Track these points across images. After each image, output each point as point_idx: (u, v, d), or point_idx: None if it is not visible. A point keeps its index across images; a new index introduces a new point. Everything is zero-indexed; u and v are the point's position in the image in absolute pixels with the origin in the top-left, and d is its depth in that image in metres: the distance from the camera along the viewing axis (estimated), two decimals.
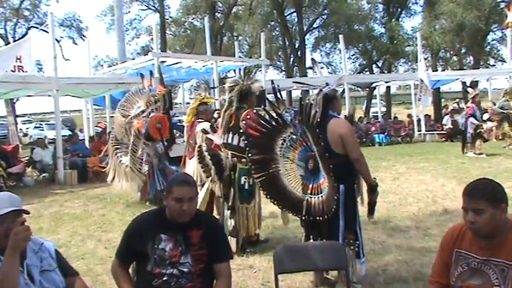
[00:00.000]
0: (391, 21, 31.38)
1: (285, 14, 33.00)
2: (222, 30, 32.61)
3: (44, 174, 12.70)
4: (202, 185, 6.28)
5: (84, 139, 16.26)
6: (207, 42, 18.14)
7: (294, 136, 4.10)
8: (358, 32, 32.02)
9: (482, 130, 12.94)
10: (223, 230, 2.93)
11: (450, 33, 27.00)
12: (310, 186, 4.02)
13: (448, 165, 11.53)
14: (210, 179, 5.46)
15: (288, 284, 4.20)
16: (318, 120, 3.97)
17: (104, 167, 10.67)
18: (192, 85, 26.72)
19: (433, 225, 6.04)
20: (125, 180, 8.48)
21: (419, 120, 20.12)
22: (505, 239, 2.34)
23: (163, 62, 15.26)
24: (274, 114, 4.23)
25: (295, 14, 33.23)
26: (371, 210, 4.14)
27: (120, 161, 8.57)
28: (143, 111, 8.42)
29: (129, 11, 33.18)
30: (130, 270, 2.91)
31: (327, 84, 4.26)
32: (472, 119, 12.94)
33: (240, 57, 23.96)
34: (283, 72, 36.33)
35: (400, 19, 33.09)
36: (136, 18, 34.75)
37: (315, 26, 34.39)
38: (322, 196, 3.95)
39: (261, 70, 22.53)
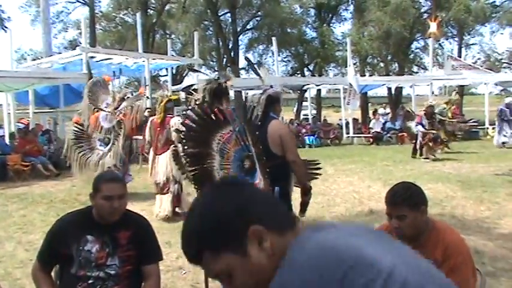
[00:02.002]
0: (322, 26, 32.17)
1: (219, 14, 32.95)
2: (154, 28, 32.02)
3: None
4: (175, 181, 6.94)
5: (3, 135, 15.40)
6: (139, 39, 17.75)
7: (232, 134, 4.04)
8: (290, 35, 32.54)
9: (431, 137, 13.24)
10: (152, 230, 2.84)
11: (377, 40, 28.06)
12: None
13: (374, 167, 11.95)
14: (184, 175, 5.35)
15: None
16: (258, 121, 3.99)
17: (27, 165, 10.22)
18: (122, 82, 26.09)
19: None
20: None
21: (347, 124, 20.71)
22: (427, 239, 2.45)
23: (93, 57, 14.79)
24: (216, 110, 4.14)
25: (229, 14, 33.28)
26: (303, 210, 4.19)
27: (88, 157, 8.47)
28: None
29: (56, 3, 31.81)
30: (52, 274, 2.77)
31: (271, 86, 4.29)
32: (419, 127, 13.39)
33: (172, 55, 23.69)
34: (216, 72, 36.27)
35: (331, 24, 34.03)
36: (63, 11, 33.39)
37: (248, 27, 34.60)
38: None
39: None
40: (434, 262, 2.33)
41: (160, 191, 7.17)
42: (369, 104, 31.17)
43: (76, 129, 8.77)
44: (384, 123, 20.51)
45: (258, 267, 0.99)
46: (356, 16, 30.53)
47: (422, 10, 30.63)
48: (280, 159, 3.99)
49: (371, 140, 19.61)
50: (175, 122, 6.78)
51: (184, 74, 36.20)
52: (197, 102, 4.54)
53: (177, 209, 7.19)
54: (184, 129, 4.25)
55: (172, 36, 33.85)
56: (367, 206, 7.46)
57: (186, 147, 4.25)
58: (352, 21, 32.52)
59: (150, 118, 7.72)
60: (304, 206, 4.19)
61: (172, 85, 17.74)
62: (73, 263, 2.58)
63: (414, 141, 14.02)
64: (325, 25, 32.37)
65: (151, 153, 7.40)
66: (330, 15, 34.07)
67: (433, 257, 2.34)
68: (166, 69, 21.96)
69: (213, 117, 4.08)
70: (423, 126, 13.36)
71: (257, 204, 1.04)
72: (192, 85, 6.38)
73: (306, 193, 4.15)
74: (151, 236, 2.82)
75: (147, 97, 10.00)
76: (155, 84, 16.48)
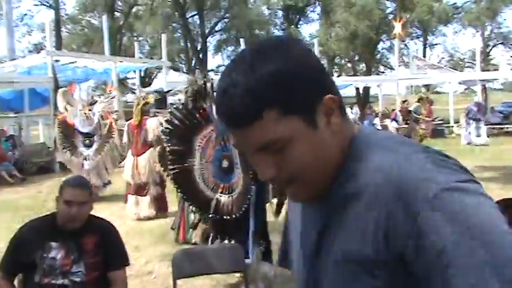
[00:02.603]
0: (290, 27, 32.40)
1: (187, 16, 32.83)
2: (121, 30, 31.71)
3: None
4: (156, 183, 7.06)
5: None
6: (106, 41, 17.48)
7: (213, 134, 4.07)
8: (259, 36, 32.65)
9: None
10: (118, 235, 2.80)
11: (344, 41, 28.44)
12: (222, 185, 4.03)
13: None
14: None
15: None
16: None
17: None
18: (89, 86, 25.70)
19: None
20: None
21: None
22: None
23: (58, 61, 14.51)
24: (200, 109, 4.15)
25: (197, 16, 33.20)
26: (278, 211, 4.22)
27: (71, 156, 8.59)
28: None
29: (19, 6, 31.23)
30: (16, 283, 2.71)
31: None
32: (393, 123, 13.51)
33: (140, 58, 23.45)
34: (185, 75, 36.11)
35: (299, 26, 34.35)
36: (27, 13, 32.76)
37: (216, 29, 34.62)
38: (232, 196, 3.98)
39: (161, 72, 22.17)
40: None
41: (138, 193, 7.21)
42: None
43: (61, 127, 8.69)
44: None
45: (322, 142, 0.86)
46: (323, 17, 30.90)
47: (387, 11, 31.22)
48: None
49: None
50: (152, 122, 6.97)
51: (153, 76, 35.91)
52: (182, 102, 4.50)
53: (155, 212, 7.22)
54: (169, 126, 4.25)
55: (140, 38, 33.56)
56: None
57: (169, 144, 4.24)
58: (319, 22, 32.88)
59: (127, 122, 7.77)
60: (279, 206, 4.22)
61: (142, 87, 17.61)
62: (37, 270, 2.52)
63: None
64: (292, 26, 32.64)
65: (129, 155, 7.45)
66: (298, 16, 34.38)
67: None
68: (134, 71, 21.72)
69: (197, 116, 4.09)
70: (397, 122, 13.37)
71: (327, 75, 0.93)
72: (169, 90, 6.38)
73: (282, 193, 4.10)
74: (117, 241, 2.79)
75: (112, 98, 9.90)
76: (123, 87, 16.32)
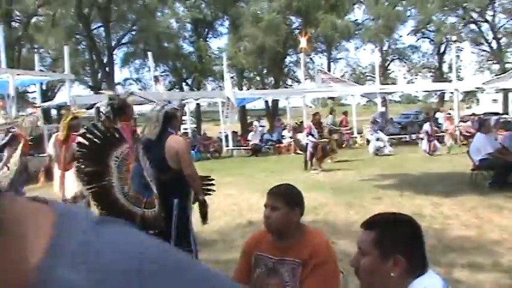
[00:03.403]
0: (199, 40, 32.46)
1: (92, 28, 31.82)
2: (20, 41, 29.96)
3: None
4: (83, 197, 6.84)
5: None
6: (2, 53, 16.49)
7: (130, 151, 4.07)
8: (167, 49, 32.37)
9: (322, 146, 13.32)
10: None
11: (253, 55, 28.95)
12: (144, 200, 4.04)
13: (253, 179, 12.22)
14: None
15: None
16: (156, 136, 4.22)
17: None
18: None
19: (239, 237, 6.30)
20: None
21: (227, 136, 20.98)
22: (297, 241, 2.59)
23: None
24: (111, 128, 4.09)
25: (102, 28, 32.29)
26: (204, 219, 4.49)
27: None
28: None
29: None
30: None
31: (169, 102, 4.49)
32: (310, 137, 13.26)
33: (41, 70, 22.36)
34: (91, 88, 34.93)
35: (208, 39, 34.48)
36: None
37: (123, 41, 33.85)
38: (154, 210, 4.04)
39: (65, 85, 21.27)
40: (302, 261, 2.49)
41: None
42: (248, 117, 31.93)
43: None
44: (262, 135, 21.12)
45: None
46: (231, 31, 31.27)
47: (293, 26, 32.28)
48: (178, 172, 4.18)
49: (250, 151, 20.03)
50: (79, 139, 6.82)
51: (56, 90, 34.34)
52: (101, 119, 4.40)
53: None
54: (80, 148, 4.18)
55: (41, 50, 31.99)
56: (246, 217, 7.60)
57: (83, 166, 4.19)
58: (228, 36, 33.23)
59: (54, 134, 7.63)
60: (204, 216, 4.46)
61: (43, 101, 16.77)
62: None
63: (305, 153, 13.79)
64: (201, 40, 32.69)
65: (56, 169, 7.32)
66: (206, 30, 34.50)
67: (300, 257, 2.53)
68: (35, 84, 20.66)
69: (108, 136, 4.05)
70: (313, 136, 13.27)
71: None
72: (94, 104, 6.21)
73: (201, 205, 4.40)
74: None
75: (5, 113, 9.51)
76: (22, 101, 15.47)
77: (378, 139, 17.05)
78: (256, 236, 2.81)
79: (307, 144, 13.42)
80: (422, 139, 16.93)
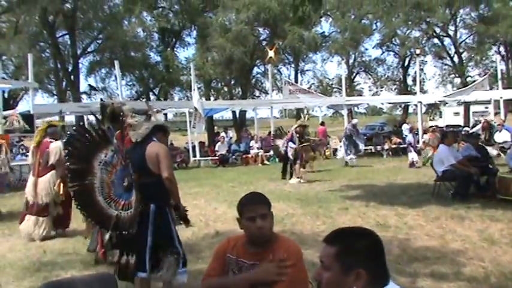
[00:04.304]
0: (166, 50, 32.29)
1: (57, 36, 31.26)
2: None
3: None
4: (55, 204, 7.32)
5: None
6: None
7: (113, 154, 4.25)
8: (134, 58, 32.05)
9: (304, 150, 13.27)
10: None
11: (221, 66, 28.95)
12: (122, 202, 4.16)
13: (220, 189, 12.18)
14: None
15: None
16: (140, 139, 4.42)
17: None
18: None
19: (205, 248, 6.27)
20: None
21: (194, 147, 20.86)
22: (270, 247, 2.67)
23: None
24: (99, 130, 4.31)
25: (67, 36, 31.76)
26: (186, 222, 4.67)
27: None
28: None
29: None
30: None
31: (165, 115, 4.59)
32: (290, 144, 13.22)
33: (4, 78, 21.77)
34: (55, 96, 34.24)
35: (175, 49, 34.33)
36: None
37: (89, 50, 33.34)
38: (130, 211, 4.13)
39: (28, 93, 20.79)
40: (281, 260, 2.56)
41: (38, 213, 7.30)
42: (215, 127, 31.87)
43: None
44: (230, 146, 21.11)
45: None
46: (199, 41, 31.23)
47: (261, 38, 32.46)
48: (156, 177, 4.28)
49: (217, 162, 19.98)
50: (55, 147, 7.27)
51: (18, 98, 33.52)
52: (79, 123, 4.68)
53: (52, 232, 7.46)
54: (68, 147, 4.41)
55: (4, 57, 31.20)
56: (213, 227, 7.56)
57: (69, 163, 4.35)
58: (195, 46, 33.18)
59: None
60: (184, 219, 4.64)
61: (4, 110, 16.30)
62: None
63: (283, 162, 13.75)
64: (169, 49, 32.54)
65: (31, 175, 7.65)
66: (174, 40, 34.36)
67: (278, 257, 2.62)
68: None
69: (95, 137, 4.25)
70: (294, 143, 13.25)
71: None
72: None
73: (177, 209, 4.53)
74: None
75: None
76: None
77: (350, 150, 17.17)
78: (231, 241, 2.84)
79: (286, 151, 13.37)
80: (410, 151, 16.92)
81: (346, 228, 1.93)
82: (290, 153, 13.21)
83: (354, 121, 18.56)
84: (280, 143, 14.14)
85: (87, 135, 4.26)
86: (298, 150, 13.09)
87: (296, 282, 2.58)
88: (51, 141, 7.43)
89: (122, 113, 4.90)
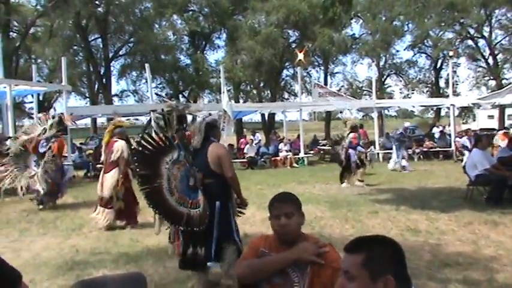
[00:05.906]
0: (196, 53, 32.54)
1: (89, 39, 31.91)
2: (18, 52, 29.94)
3: None
4: (117, 198, 8.05)
5: None
6: (0, 63, 16.50)
7: (178, 157, 4.55)
8: (164, 61, 32.41)
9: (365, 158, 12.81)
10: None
11: (250, 68, 28.99)
12: (190, 201, 4.50)
13: (249, 191, 12.13)
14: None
15: None
16: (200, 144, 4.75)
17: None
18: None
19: None
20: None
21: None
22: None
23: None
24: (163, 137, 4.62)
25: (100, 39, 32.37)
26: (244, 205, 5.16)
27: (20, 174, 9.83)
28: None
29: None
30: None
31: (210, 114, 5.08)
32: (359, 148, 12.61)
33: (39, 81, 22.37)
34: (88, 99, 34.93)
35: (205, 52, 34.56)
36: None
37: (121, 53, 33.91)
38: (199, 210, 4.48)
39: (62, 96, 21.27)
40: (305, 264, 2.52)
41: (104, 205, 8.11)
42: (244, 130, 31.94)
43: (19, 147, 10.00)
44: (258, 148, 21.12)
45: None
46: (229, 44, 31.36)
47: (290, 40, 32.42)
48: (220, 176, 4.67)
49: (246, 164, 20.02)
50: (118, 145, 8.07)
51: (52, 101, 34.33)
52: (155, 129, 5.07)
53: (118, 222, 8.20)
54: (136, 153, 4.76)
55: (39, 61, 32.02)
56: (242, 230, 7.51)
57: (137, 169, 4.71)
58: (225, 49, 33.33)
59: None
60: (244, 206, 5.16)
61: (39, 112, 16.72)
62: None
63: (342, 165, 12.68)
64: (199, 52, 32.77)
65: (102, 171, 8.51)
66: (204, 42, 34.60)
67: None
68: (32, 95, 20.66)
69: (162, 143, 4.56)
70: (362, 147, 12.79)
71: None
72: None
73: (243, 204, 5.11)
74: None
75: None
76: (19, 111, 15.53)
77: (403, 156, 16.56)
78: (265, 237, 2.86)
79: (349, 155, 12.39)
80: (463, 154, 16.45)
81: (366, 237, 1.88)
82: (355, 158, 12.37)
83: (406, 124, 18.07)
84: (339, 148, 12.96)
85: (153, 142, 4.55)
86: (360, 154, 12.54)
87: (330, 268, 2.49)
88: (116, 141, 8.17)
89: (185, 117, 5.21)
